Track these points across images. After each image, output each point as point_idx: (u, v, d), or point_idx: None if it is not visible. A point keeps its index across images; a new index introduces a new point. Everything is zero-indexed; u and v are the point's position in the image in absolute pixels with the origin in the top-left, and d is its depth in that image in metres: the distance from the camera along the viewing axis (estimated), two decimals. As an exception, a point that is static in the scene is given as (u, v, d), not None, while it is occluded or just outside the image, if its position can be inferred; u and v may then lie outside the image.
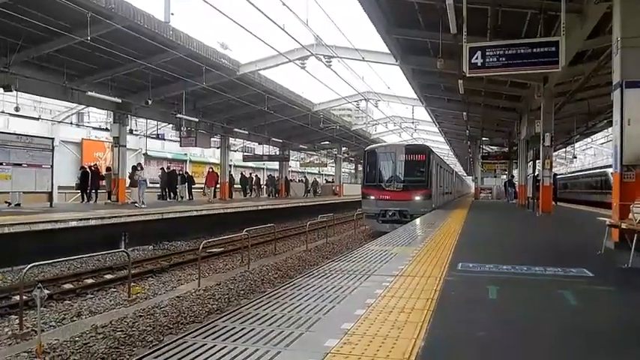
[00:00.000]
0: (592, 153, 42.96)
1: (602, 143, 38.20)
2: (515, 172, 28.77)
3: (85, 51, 14.30)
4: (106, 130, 23.50)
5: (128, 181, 19.58)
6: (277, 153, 35.77)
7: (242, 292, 8.90)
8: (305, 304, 3.79)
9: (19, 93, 16.28)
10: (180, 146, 24.29)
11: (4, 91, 15.12)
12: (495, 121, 25.56)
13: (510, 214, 17.70)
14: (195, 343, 2.88)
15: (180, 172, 26.66)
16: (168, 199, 23.20)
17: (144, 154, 30.27)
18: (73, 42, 13.21)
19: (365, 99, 26.76)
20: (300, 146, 37.88)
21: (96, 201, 19.34)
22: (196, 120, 21.89)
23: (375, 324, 3.24)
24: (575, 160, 37.65)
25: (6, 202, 15.07)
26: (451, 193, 28.12)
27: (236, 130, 26.81)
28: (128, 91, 19.09)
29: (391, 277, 4.82)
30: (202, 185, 26.45)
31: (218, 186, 27.13)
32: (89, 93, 16.36)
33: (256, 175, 35.33)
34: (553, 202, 16.65)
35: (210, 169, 25.56)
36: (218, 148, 28.90)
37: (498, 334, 3.16)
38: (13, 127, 21.08)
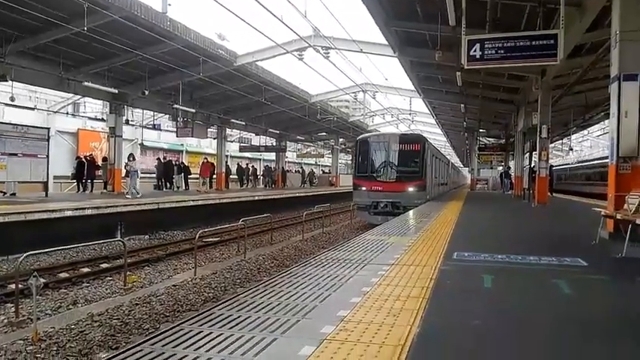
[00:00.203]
0: (588, 145, 43.12)
1: (598, 135, 38.33)
2: (511, 164, 28.87)
3: (82, 41, 14.17)
4: (102, 120, 23.42)
5: (124, 171, 19.52)
6: (274, 144, 35.71)
7: (238, 280, 8.93)
8: (301, 292, 3.80)
9: (14, 83, 16.15)
10: (177, 137, 24.21)
11: (0, 81, 14.97)
12: (493, 113, 25.57)
13: (506, 204, 17.76)
14: (191, 331, 2.89)
15: (177, 163, 26.58)
16: (164, 189, 23.15)
17: (140, 145, 30.17)
18: (70, 32, 13.12)
19: (362, 90, 26.67)
20: (297, 137, 37.83)
21: (92, 191, 19.27)
22: (193, 111, 21.78)
23: (371, 311, 3.26)
24: (571, 152, 37.80)
25: (1, 192, 15.00)
26: (447, 184, 27.65)
27: (233, 120, 26.70)
28: (124, 82, 18.96)
29: (387, 266, 4.84)
30: (197, 176, 26.30)
31: (214, 176, 27.11)
32: (85, 83, 16.23)
33: (253, 166, 35.28)
34: (549, 194, 16.73)
35: (205, 160, 25.45)
36: (214, 138, 28.81)
37: (493, 323, 3.19)
38: (9, 117, 20.94)
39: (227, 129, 28.58)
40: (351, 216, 19.45)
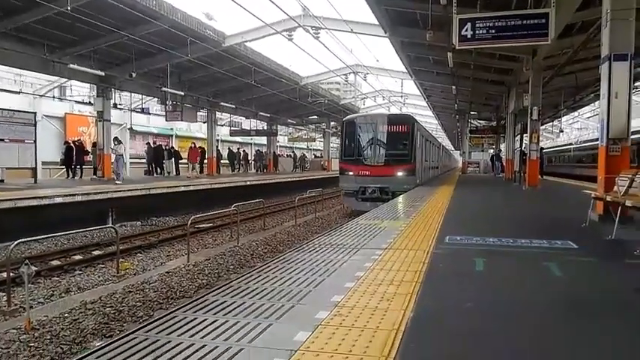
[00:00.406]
0: (578, 127, 43.38)
1: (588, 117, 38.55)
2: (502, 147, 29.00)
3: (66, 21, 13.83)
4: (90, 104, 22.98)
5: (113, 156, 19.29)
6: (265, 127, 35.47)
7: (232, 266, 8.95)
8: (295, 277, 3.80)
9: (-2, 66, 15.78)
10: (166, 120, 23.87)
11: (-18, 63, 14.65)
12: (484, 95, 25.56)
13: (497, 188, 17.89)
14: (185, 317, 2.88)
15: (167, 148, 26.34)
16: (155, 175, 22.97)
17: (129, 129, 29.74)
18: (53, 12, 12.75)
19: (353, 72, 26.48)
20: (288, 121, 37.59)
21: (81, 177, 19.07)
22: (182, 94, 21.48)
23: (365, 296, 3.27)
24: (561, 134, 38.02)
25: (-12, 179, 14.79)
26: (438, 167, 26.96)
27: (222, 103, 26.41)
28: (111, 64, 18.59)
29: (380, 251, 4.86)
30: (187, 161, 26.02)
31: (205, 161, 26.93)
32: (71, 65, 15.88)
33: (244, 150, 35.08)
34: (539, 176, 16.87)
35: (193, 144, 25.20)
36: (204, 122, 28.52)
37: (485, 305, 3.22)
38: (-7, 102, 20.47)
39: (217, 113, 28.28)
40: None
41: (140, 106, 27.18)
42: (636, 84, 16.07)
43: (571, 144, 34.76)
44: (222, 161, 30.22)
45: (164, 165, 23.97)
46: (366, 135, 15.61)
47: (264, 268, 4.15)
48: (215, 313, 2.95)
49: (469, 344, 2.51)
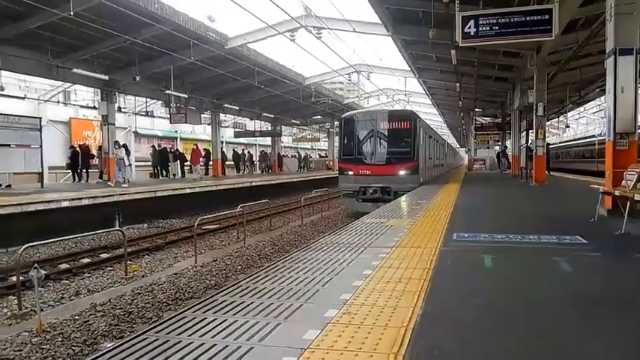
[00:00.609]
0: (584, 122, 43.12)
1: (594, 112, 38.30)
2: (508, 143, 28.86)
3: (69, 27, 13.90)
4: (94, 108, 23.15)
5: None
6: (269, 128, 35.51)
7: (239, 267, 8.97)
8: (303, 276, 3.81)
9: (3, 72, 15.87)
10: (171, 123, 23.96)
11: (-13, 70, 14.77)
12: (488, 92, 25.46)
13: (504, 184, 17.80)
14: (195, 318, 2.90)
15: (172, 150, 26.44)
16: (160, 177, 23.06)
17: (134, 132, 29.90)
18: (56, 17, 12.83)
19: (357, 71, 26.43)
20: (292, 121, 37.62)
21: (87, 180, 19.18)
22: (186, 96, 21.56)
23: (373, 294, 3.27)
24: (567, 129, 37.81)
25: (-4, 184, 14.91)
26: (443, 165, 25.93)
27: (226, 105, 26.47)
28: (115, 68, 18.70)
29: (388, 249, 4.86)
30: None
31: (210, 163, 27.01)
32: (75, 70, 16.01)
33: (249, 152, 35.14)
34: (546, 172, 16.77)
35: (195, 146, 25.28)
36: (209, 124, 28.60)
37: (494, 302, 3.21)
38: (-2, 108, 20.66)
39: (221, 114, 28.36)
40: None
41: (144, 110, 27.30)
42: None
43: (578, 139, 34.58)
44: (227, 163, 30.29)
45: (169, 167, 24.05)
46: (365, 132, 14.95)
47: (272, 268, 4.16)
48: (224, 313, 2.96)
49: (479, 341, 2.50)
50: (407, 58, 19.23)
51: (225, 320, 2.82)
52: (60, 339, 5.31)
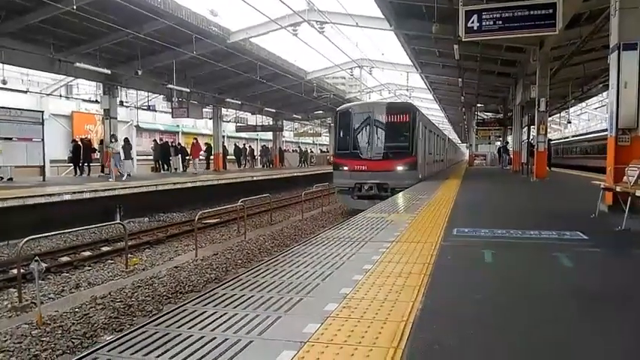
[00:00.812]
0: (586, 118, 42.99)
1: (596, 108, 38.18)
2: (509, 139, 28.81)
3: (71, 21, 13.88)
4: (96, 102, 23.11)
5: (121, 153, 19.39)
6: (270, 123, 35.47)
7: (239, 261, 8.99)
8: (303, 270, 3.81)
9: (5, 66, 15.86)
10: (173, 117, 23.95)
11: (-11, 63, 14.76)
12: (490, 87, 25.37)
13: (505, 180, 17.76)
14: (195, 311, 2.90)
15: (173, 144, 26.45)
16: (162, 171, 23.08)
17: (135, 126, 29.89)
18: (59, 11, 12.81)
19: (359, 66, 26.34)
20: (294, 116, 37.55)
21: (89, 174, 19.21)
22: (187, 90, 21.54)
23: (374, 288, 3.27)
24: (569, 125, 37.70)
25: (-1, 177, 14.94)
26: (443, 160, 25.16)
27: (228, 100, 26.44)
28: (117, 62, 18.67)
29: (388, 244, 4.85)
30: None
31: (212, 157, 27.02)
32: (77, 64, 15.98)
33: (250, 146, 35.13)
34: (547, 168, 16.74)
35: (195, 140, 25.29)
36: (210, 119, 28.59)
37: (495, 297, 3.20)
38: (1, 101, 20.64)
39: (223, 109, 28.32)
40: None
41: (146, 104, 27.29)
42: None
43: (580, 134, 34.45)
44: (228, 157, 30.30)
45: (171, 161, 24.07)
46: (361, 126, 14.18)
47: (272, 262, 4.16)
48: (224, 307, 2.96)
49: (480, 336, 2.50)
50: (409, 52, 19.15)
51: (225, 314, 2.82)
52: (60, 331, 5.33)
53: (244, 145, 34.38)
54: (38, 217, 10.56)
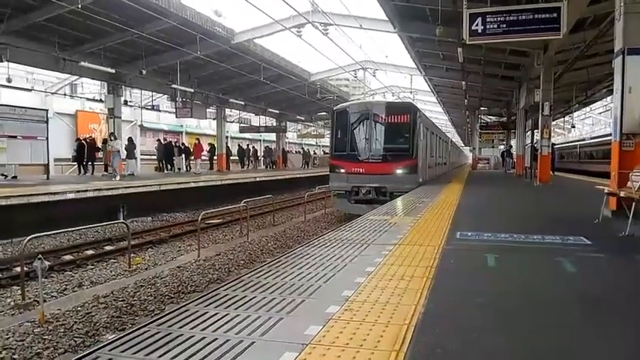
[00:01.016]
0: (590, 122, 42.87)
1: (600, 112, 38.07)
2: (513, 142, 28.74)
3: (76, 20, 13.96)
4: (100, 101, 23.22)
5: (125, 152, 19.46)
6: (274, 124, 35.51)
7: (242, 262, 8.99)
8: (306, 272, 3.81)
9: (10, 64, 15.95)
10: (176, 117, 24.06)
11: (-5, 61, 14.82)
12: (494, 91, 25.34)
13: (508, 184, 17.70)
14: (197, 311, 2.90)
15: (177, 144, 26.52)
16: (165, 171, 23.13)
17: (139, 126, 29.98)
18: (64, 10, 12.88)
19: (363, 68, 26.37)
20: (297, 117, 37.58)
21: (93, 173, 19.27)
22: (192, 90, 21.60)
23: (376, 291, 3.27)
24: (573, 129, 37.60)
25: (2, 175, 14.98)
26: (445, 164, 24.52)
27: (232, 100, 26.49)
28: (121, 61, 18.74)
29: (390, 246, 4.85)
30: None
31: (215, 158, 27.06)
32: (82, 63, 16.06)
33: (253, 147, 35.17)
34: (551, 172, 16.69)
35: (197, 141, 25.34)
36: (214, 119, 28.65)
37: (498, 301, 3.19)
38: (5, 99, 20.74)
39: (226, 109, 28.38)
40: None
41: (150, 103, 27.38)
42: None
43: (584, 139, 34.32)
44: (231, 158, 30.35)
45: (174, 161, 24.13)
46: (359, 126, 13.47)
47: (275, 263, 4.16)
48: (226, 307, 2.96)
49: (482, 340, 2.49)
50: (413, 55, 19.15)
51: (227, 314, 2.82)
52: (62, 330, 5.34)
53: (247, 145, 34.42)
54: (42, 216, 10.60)
